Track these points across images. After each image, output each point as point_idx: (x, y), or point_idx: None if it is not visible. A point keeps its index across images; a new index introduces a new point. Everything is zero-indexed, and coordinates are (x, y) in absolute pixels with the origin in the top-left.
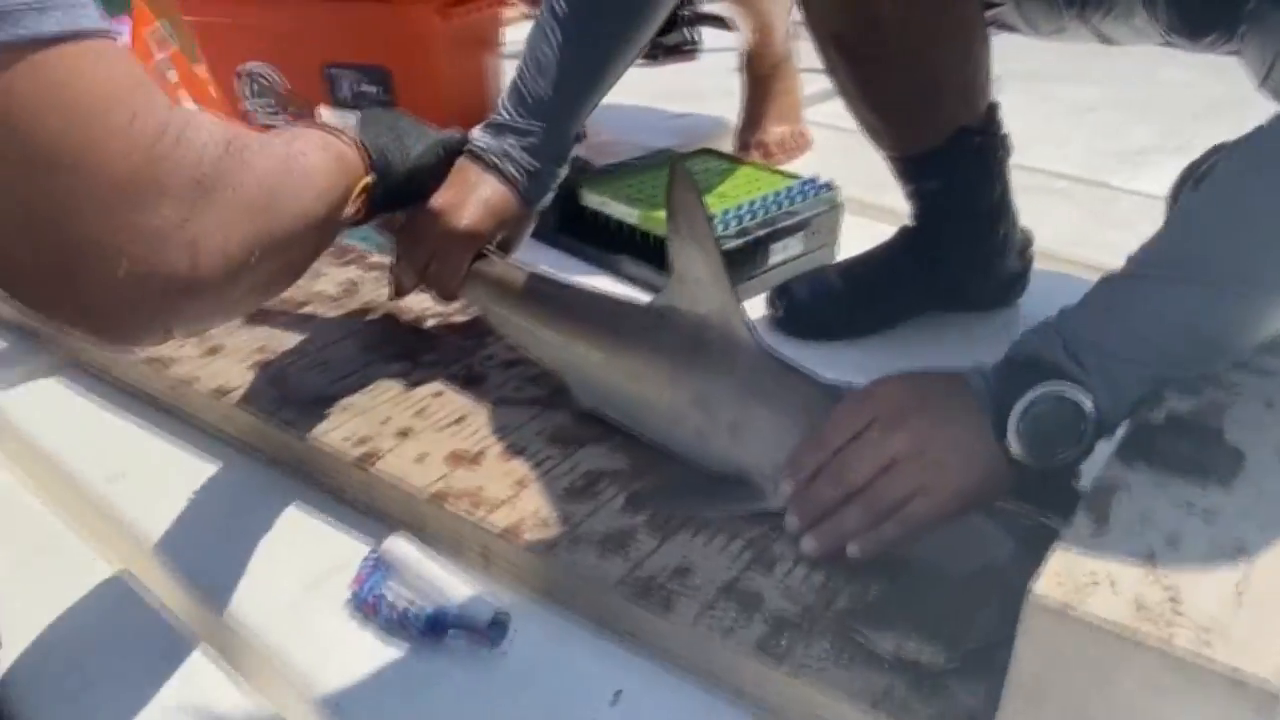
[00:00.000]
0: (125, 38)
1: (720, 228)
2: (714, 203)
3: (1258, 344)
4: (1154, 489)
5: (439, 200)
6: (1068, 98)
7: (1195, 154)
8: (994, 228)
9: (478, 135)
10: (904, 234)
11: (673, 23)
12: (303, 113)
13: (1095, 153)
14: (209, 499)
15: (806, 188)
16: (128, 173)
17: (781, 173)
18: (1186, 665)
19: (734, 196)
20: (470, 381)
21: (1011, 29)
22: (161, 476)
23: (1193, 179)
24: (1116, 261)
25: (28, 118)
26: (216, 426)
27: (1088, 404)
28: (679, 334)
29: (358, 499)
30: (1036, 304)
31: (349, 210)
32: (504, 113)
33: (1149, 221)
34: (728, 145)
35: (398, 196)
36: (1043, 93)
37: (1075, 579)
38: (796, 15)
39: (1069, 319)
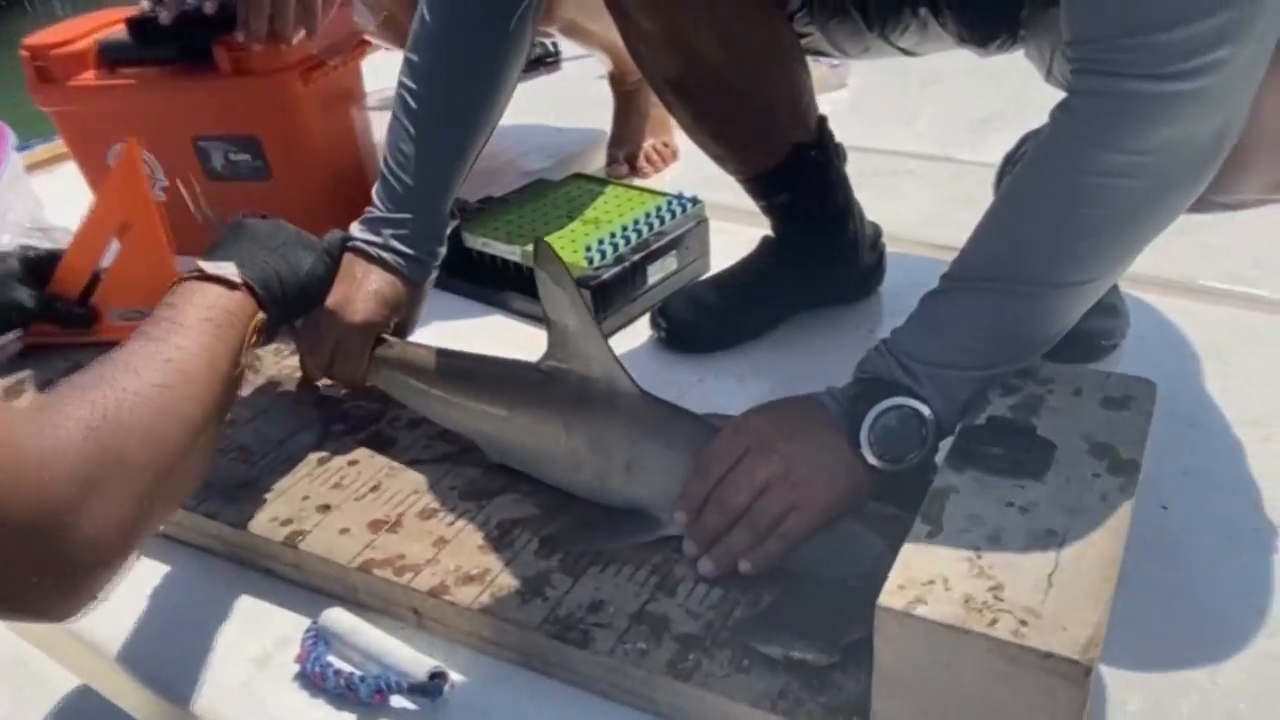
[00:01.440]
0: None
1: (597, 257)
2: (588, 230)
3: (1060, 333)
4: (979, 490)
5: (333, 299)
6: (915, 71)
7: (1032, 117)
8: (844, 228)
9: (357, 231)
10: (766, 244)
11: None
12: (211, 214)
13: (943, 125)
14: (149, 593)
15: (674, 205)
16: (19, 523)
17: (649, 191)
18: (1009, 649)
19: (606, 223)
20: (382, 445)
21: (822, 53)
22: None
23: (1014, 167)
24: (965, 239)
25: None
26: None
27: (925, 410)
28: (567, 388)
29: (289, 575)
30: (897, 288)
31: (245, 357)
32: (378, 206)
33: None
34: (600, 158)
35: (294, 310)
36: (891, 68)
37: (915, 583)
38: None
39: (899, 339)
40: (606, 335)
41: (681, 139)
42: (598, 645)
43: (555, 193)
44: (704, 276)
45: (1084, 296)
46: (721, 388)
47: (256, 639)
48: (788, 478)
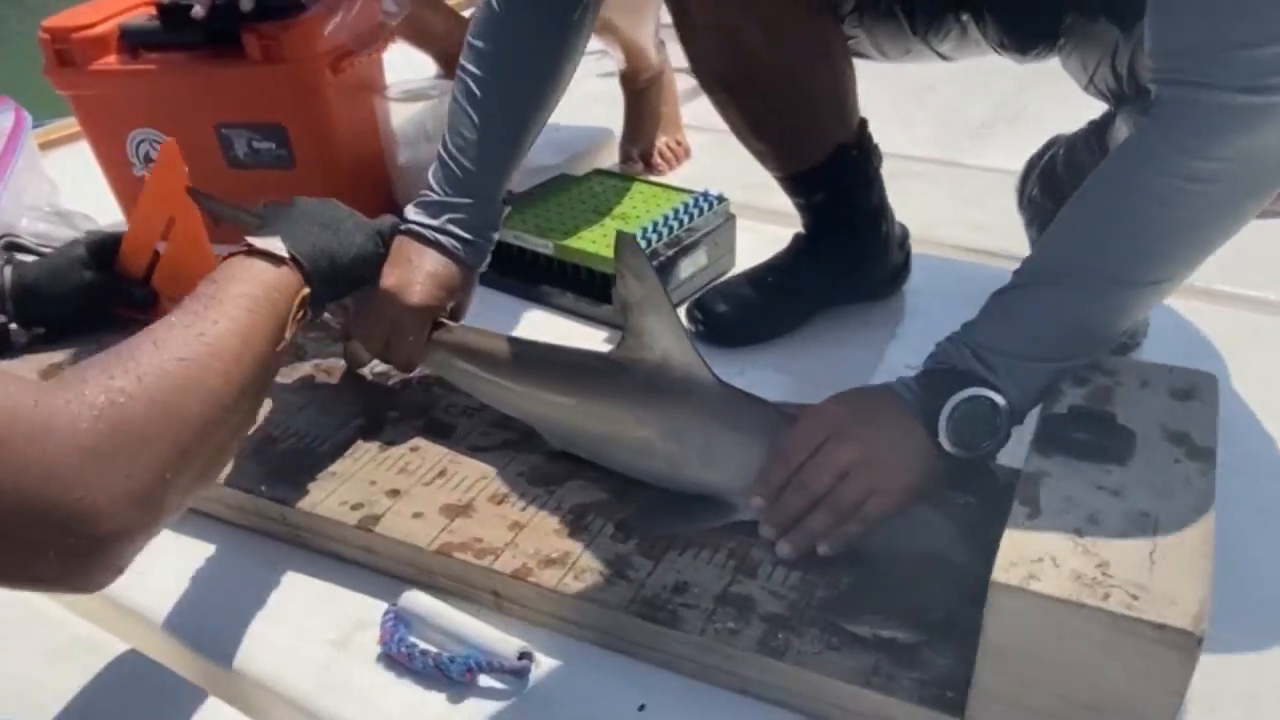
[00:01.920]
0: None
1: None
2: (617, 225)
3: (1130, 329)
4: (1070, 474)
5: (389, 280)
6: (909, 77)
7: (1026, 124)
8: (877, 227)
9: (413, 214)
10: (800, 241)
11: None
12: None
13: (941, 130)
14: (218, 578)
15: (701, 202)
16: (28, 495)
17: (673, 188)
18: (1123, 622)
19: (634, 218)
20: (440, 433)
21: (863, 55)
22: (167, 564)
23: (1038, 170)
24: (978, 238)
25: None
26: (211, 511)
27: (1000, 400)
28: (642, 377)
29: (358, 558)
30: (918, 286)
31: (290, 330)
32: (435, 190)
33: (1002, 195)
34: (609, 155)
35: (342, 288)
36: (884, 74)
37: (1025, 560)
38: (666, 18)
39: (973, 331)
40: None
41: (692, 137)
42: (687, 625)
43: (579, 187)
44: (734, 272)
45: (1156, 295)
46: (761, 378)
47: (331, 621)
48: (868, 462)
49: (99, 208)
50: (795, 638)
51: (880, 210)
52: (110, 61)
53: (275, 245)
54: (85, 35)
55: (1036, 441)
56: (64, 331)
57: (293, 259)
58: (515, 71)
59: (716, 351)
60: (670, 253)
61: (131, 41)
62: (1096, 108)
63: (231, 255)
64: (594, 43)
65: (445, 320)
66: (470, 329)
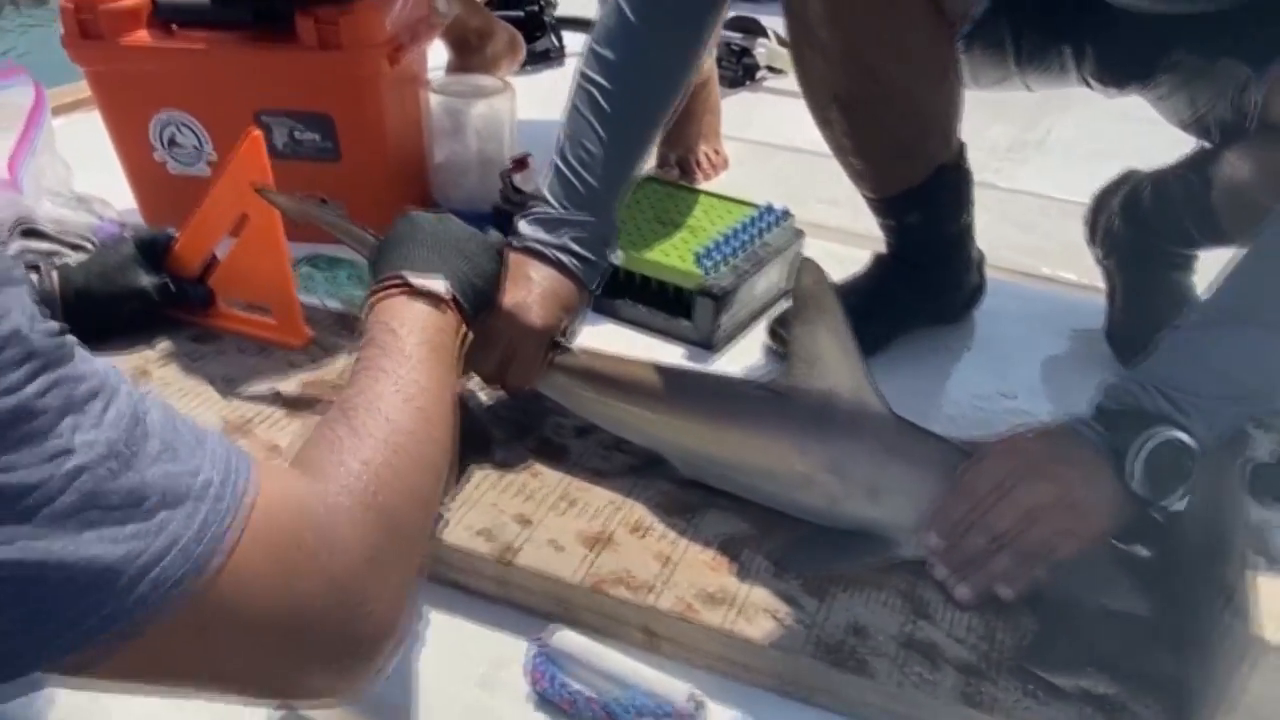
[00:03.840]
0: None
1: (710, 266)
2: (687, 238)
3: None
4: None
5: (508, 301)
6: None
7: (1052, 148)
8: (964, 249)
9: (528, 230)
10: (884, 262)
11: (540, 28)
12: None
13: (972, 153)
14: None
15: (768, 218)
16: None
17: (731, 200)
18: None
19: (702, 230)
20: (554, 456)
21: None
22: None
23: (1118, 202)
24: (1028, 262)
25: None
26: None
27: (1192, 442)
28: (805, 408)
29: (487, 590)
30: (986, 309)
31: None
32: (555, 205)
33: (1043, 218)
34: None
35: (479, 314)
36: None
37: None
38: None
39: (1155, 369)
40: (720, 348)
41: (730, 147)
42: (879, 673)
43: (636, 195)
44: None
45: None
46: None
47: (472, 658)
48: (1059, 504)
49: (111, 190)
50: (993, 688)
51: (968, 231)
52: (141, 37)
53: (439, 286)
54: (114, 7)
55: (1252, 490)
56: (112, 334)
57: (454, 301)
58: (648, 83)
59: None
60: (750, 268)
61: (166, 17)
62: (1124, 134)
63: (386, 290)
64: None
65: (561, 341)
66: (590, 352)
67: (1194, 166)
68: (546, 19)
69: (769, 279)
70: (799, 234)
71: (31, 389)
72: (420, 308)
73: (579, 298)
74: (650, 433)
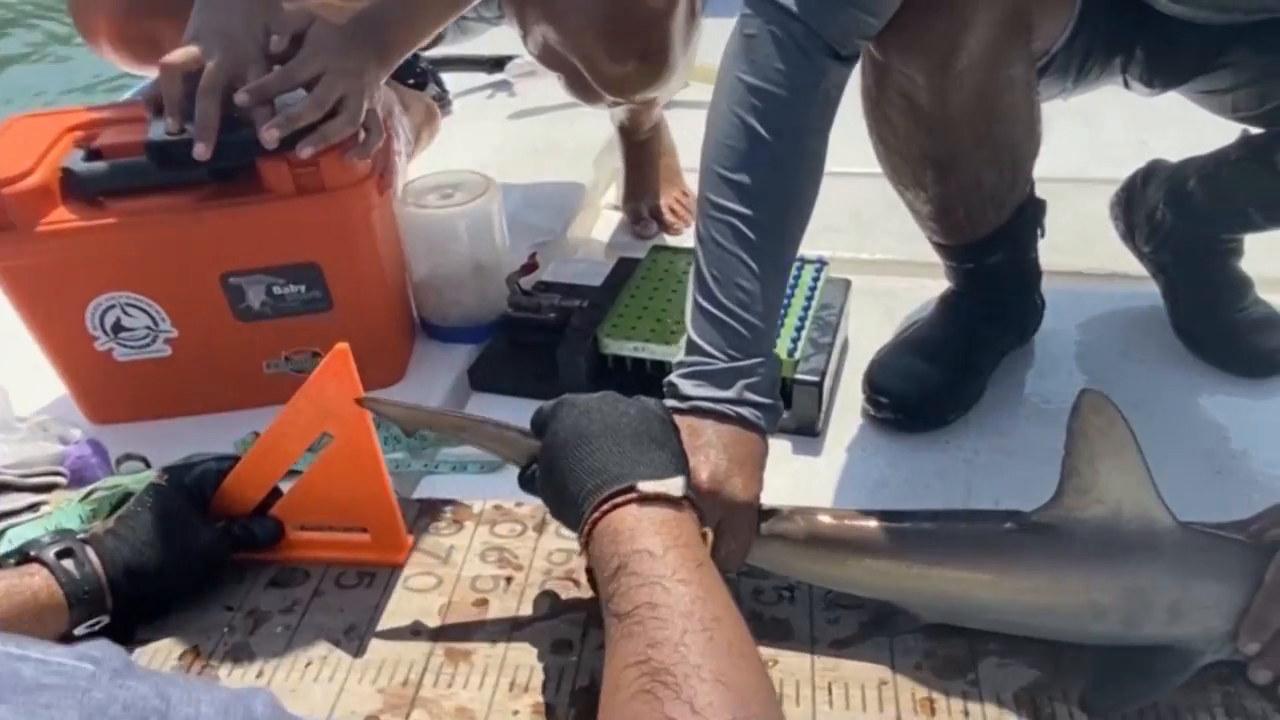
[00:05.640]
0: None
1: (792, 349)
2: None
3: None
4: None
5: (704, 477)
6: None
7: (1059, 139)
8: (1038, 270)
9: (693, 389)
10: (958, 304)
11: (423, 76)
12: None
13: None
14: None
15: (810, 272)
16: None
17: None
18: None
19: None
20: (779, 632)
21: None
22: None
23: (1159, 195)
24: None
25: None
26: None
27: None
28: (1090, 536)
29: None
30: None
31: None
32: (717, 355)
33: (1064, 209)
34: (593, 213)
35: None
36: None
37: None
38: None
39: None
40: (822, 433)
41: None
42: None
43: (656, 273)
44: (887, 343)
45: None
46: (994, 464)
47: None
48: None
49: (20, 388)
50: None
51: (1038, 260)
52: (62, 218)
53: (675, 487)
54: (18, 189)
55: None
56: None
57: (687, 498)
58: (795, 202)
59: (914, 441)
60: (827, 339)
61: (83, 188)
62: (1129, 124)
63: (612, 504)
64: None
65: (774, 508)
66: (801, 511)
67: (1252, 153)
68: (422, 66)
69: (831, 336)
70: (846, 284)
71: None
72: (660, 516)
73: (765, 449)
74: (893, 585)
